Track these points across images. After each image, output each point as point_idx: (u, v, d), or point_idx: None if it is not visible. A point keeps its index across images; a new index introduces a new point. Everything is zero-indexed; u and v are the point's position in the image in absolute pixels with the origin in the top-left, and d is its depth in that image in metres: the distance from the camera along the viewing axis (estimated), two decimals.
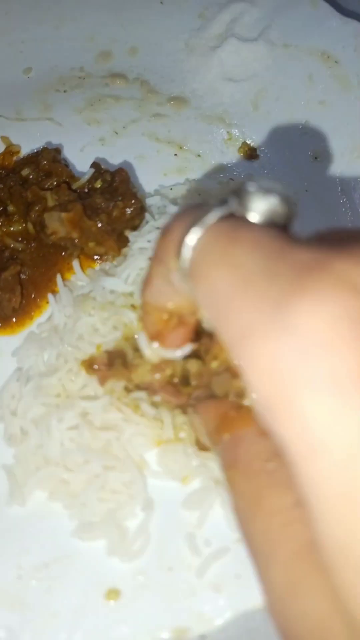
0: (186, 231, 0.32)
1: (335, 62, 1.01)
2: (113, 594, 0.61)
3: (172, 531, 0.66)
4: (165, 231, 0.36)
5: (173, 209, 0.81)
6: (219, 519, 0.66)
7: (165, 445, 0.71)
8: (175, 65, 1.04)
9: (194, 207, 0.34)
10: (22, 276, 0.83)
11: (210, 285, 0.30)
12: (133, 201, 0.80)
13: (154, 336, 0.43)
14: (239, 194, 0.33)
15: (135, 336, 0.66)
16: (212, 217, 0.32)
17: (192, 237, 0.32)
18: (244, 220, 0.32)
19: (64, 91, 1.02)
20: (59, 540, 0.66)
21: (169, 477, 0.69)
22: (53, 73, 1.03)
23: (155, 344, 0.44)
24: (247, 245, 0.29)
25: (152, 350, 0.45)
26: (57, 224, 0.78)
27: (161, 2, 1.09)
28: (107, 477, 0.68)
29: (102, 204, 0.80)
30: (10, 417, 0.74)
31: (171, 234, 0.35)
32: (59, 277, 0.82)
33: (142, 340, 0.46)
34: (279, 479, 0.32)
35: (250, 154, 0.95)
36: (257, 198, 0.32)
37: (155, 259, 0.38)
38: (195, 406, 0.47)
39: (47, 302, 0.83)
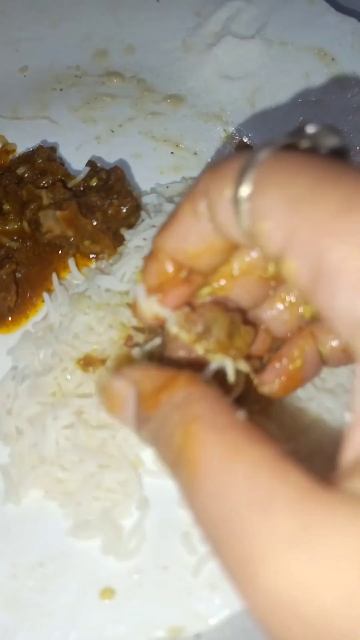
0: (248, 161, 0.32)
1: (332, 59, 1.00)
2: (108, 592, 0.61)
3: (167, 530, 0.65)
4: (219, 165, 0.35)
5: (169, 207, 0.80)
6: None
7: None
8: (172, 63, 1.04)
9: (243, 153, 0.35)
10: (18, 275, 0.83)
11: (281, 194, 0.30)
12: (128, 199, 0.80)
13: (154, 289, 0.41)
14: (301, 134, 0.34)
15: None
16: (278, 144, 0.33)
17: (263, 156, 0.32)
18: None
19: (60, 90, 1.02)
20: (54, 539, 0.65)
21: (164, 475, 0.68)
22: (49, 72, 1.03)
23: (154, 298, 0.41)
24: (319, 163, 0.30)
25: (149, 304, 0.41)
26: (52, 222, 0.78)
27: (157, 1, 1.09)
28: (102, 476, 0.68)
29: (98, 202, 0.79)
30: (5, 416, 0.74)
31: (227, 165, 0.34)
32: (54, 276, 0.82)
33: (140, 291, 0.42)
34: None
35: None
36: (321, 136, 0.34)
37: (191, 197, 0.36)
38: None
39: (43, 301, 0.82)
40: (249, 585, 0.24)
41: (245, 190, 0.32)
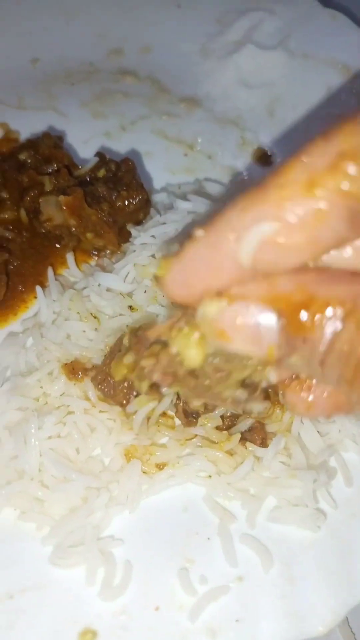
0: None
1: (355, 75, 0.97)
2: (89, 634, 0.51)
3: (162, 563, 0.56)
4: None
5: (183, 205, 0.74)
6: (217, 552, 0.56)
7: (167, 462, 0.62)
8: (190, 67, 1.00)
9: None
10: (10, 267, 0.75)
11: None
12: (138, 192, 0.73)
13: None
14: None
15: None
16: None
17: None
18: None
19: (71, 84, 0.96)
20: (28, 567, 0.56)
21: (165, 492, 0.59)
22: (60, 65, 0.98)
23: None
24: None
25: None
26: (54, 210, 0.70)
27: (179, 6, 1.05)
28: (90, 495, 0.59)
29: (105, 193, 0.73)
30: None
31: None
32: (50, 270, 0.74)
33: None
34: None
35: (265, 159, 0.90)
36: None
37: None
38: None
39: (35, 297, 0.74)
40: None
41: None
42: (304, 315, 0.30)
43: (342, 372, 0.30)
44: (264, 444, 0.58)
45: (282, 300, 0.31)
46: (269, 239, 0.29)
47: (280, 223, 0.29)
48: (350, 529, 0.57)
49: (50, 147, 0.78)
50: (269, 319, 0.31)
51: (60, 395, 0.66)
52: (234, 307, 0.31)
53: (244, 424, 0.60)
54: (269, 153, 0.91)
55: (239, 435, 0.59)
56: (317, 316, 0.30)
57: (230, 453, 0.60)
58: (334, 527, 0.57)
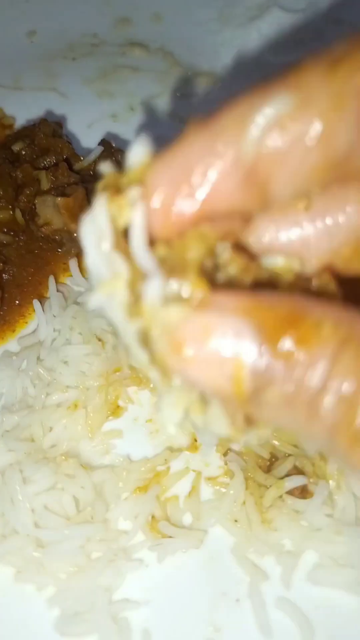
0: None
1: None
2: None
3: (185, 631, 0.48)
4: None
5: None
6: (248, 617, 0.48)
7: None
8: (206, 36, 0.88)
9: None
10: (5, 276, 0.66)
11: None
12: None
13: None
14: None
15: None
16: None
17: None
18: None
19: (73, 59, 0.86)
20: (31, 635, 0.48)
21: (182, 548, 0.51)
22: (61, 38, 0.87)
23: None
24: None
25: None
26: (52, 212, 0.61)
27: None
28: (95, 551, 0.51)
29: None
30: None
31: None
32: (51, 280, 0.65)
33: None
34: None
35: None
36: None
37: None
38: None
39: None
40: None
41: None
42: (291, 333, 0.23)
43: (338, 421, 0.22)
44: (304, 494, 0.49)
45: (264, 312, 0.24)
46: (280, 119, 0.24)
47: (296, 99, 0.24)
48: None
49: (47, 135, 0.68)
50: (243, 336, 0.23)
51: (52, 429, 0.57)
52: (204, 315, 0.23)
53: (283, 468, 0.51)
54: None
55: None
56: (308, 338, 0.23)
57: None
58: None
